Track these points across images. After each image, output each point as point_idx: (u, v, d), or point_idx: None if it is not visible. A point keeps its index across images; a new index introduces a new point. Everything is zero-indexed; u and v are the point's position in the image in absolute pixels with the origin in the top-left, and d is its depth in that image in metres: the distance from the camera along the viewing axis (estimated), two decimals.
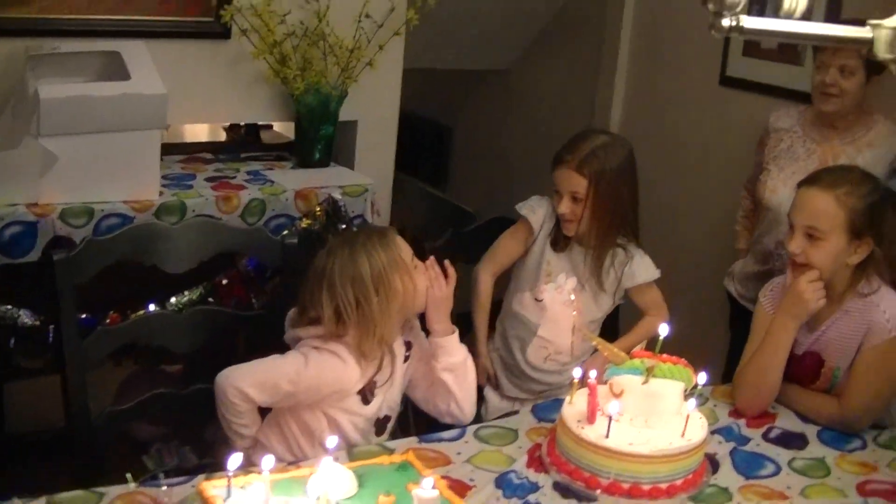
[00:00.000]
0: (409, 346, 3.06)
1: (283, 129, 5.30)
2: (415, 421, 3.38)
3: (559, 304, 3.50)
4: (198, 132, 5.27)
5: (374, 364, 2.90)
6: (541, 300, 3.52)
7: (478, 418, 3.34)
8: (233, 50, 4.36)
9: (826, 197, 2.97)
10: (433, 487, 2.23)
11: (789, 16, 1.65)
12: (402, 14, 4.53)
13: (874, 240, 2.98)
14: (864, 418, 3.03)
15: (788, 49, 4.60)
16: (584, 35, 5.80)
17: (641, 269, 3.52)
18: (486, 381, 3.62)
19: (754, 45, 4.79)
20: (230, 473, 2.24)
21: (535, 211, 3.55)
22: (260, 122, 4.99)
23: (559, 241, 3.51)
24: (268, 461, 2.26)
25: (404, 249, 2.95)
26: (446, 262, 3.06)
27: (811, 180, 3.09)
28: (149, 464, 3.68)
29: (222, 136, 5.22)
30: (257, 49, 4.29)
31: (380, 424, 3.00)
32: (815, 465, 2.84)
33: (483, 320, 3.64)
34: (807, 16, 1.68)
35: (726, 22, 1.53)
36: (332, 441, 2.39)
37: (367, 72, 4.49)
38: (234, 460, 2.24)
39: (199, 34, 4.31)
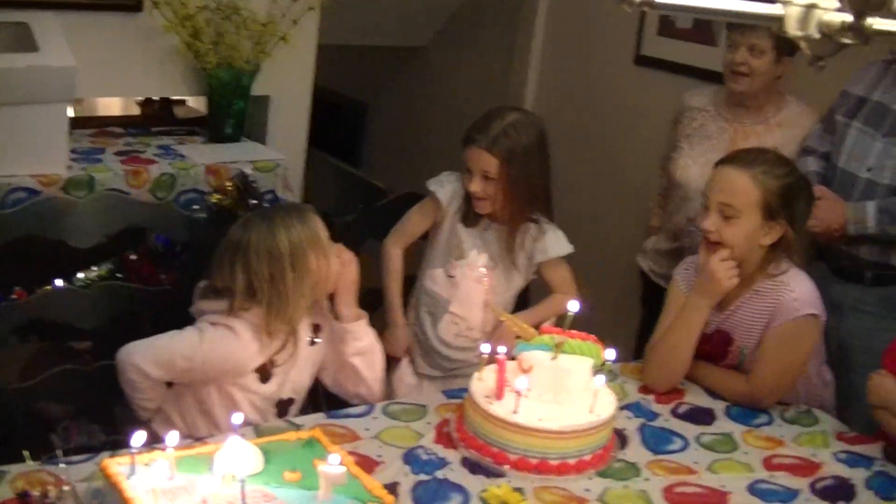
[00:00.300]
0: (317, 328, 3.04)
1: (197, 104, 5.25)
2: (326, 400, 3.37)
3: (470, 280, 3.49)
4: (111, 106, 5.20)
5: (276, 343, 2.89)
6: (452, 276, 3.51)
7: (389, 392, 3.35)
8: (145, 23, 4.29)
9: (742, 175, 3.00)
10: (340, 464, 2.22)
11: None
12: None
13: (787, 221, 3.01)
14: (771, 395, 3.07)
15: (703, 29, 4.62)
16: (500, 13, 5.78)
17: (554, 243, 3.51)
18: (403, 350, 3.61)
19: (669, 24, 4.82)
20: (134, 451, 2.21)
21: (444, 186, 3.53)
22: (173, 97, 4.92)
23: (469, 217, 3.50)
24: (172, 437, 2.23)
25: (322, 229, 2.92)
26: (339, 246, 3.05)
27: (728, 159, 3.11)
28: (56, 442, 3.62)
29: (135, 111, 5.15)
30: (170, 23, 4.22)
31: (282, 406, 2.98)
32: (723, 440, 2.87)
33: (397, 290, 3.62)
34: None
35: None
36: (237, 418, 2.36)
37: (281, 47, 4.44)
38: (138, 437, 2.20)
39: (111, 6, 4.23)
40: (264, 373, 2.89)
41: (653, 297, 4.18)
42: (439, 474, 2.50)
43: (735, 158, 3.10)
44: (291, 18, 4.42)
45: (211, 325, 2.84)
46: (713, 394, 3.13)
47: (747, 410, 3.05)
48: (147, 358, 2.81)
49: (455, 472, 2.53)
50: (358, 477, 2.32)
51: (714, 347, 3.16)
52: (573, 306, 2.84)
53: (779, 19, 1.68)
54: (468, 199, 3.48)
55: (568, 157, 5.03)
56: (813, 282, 3.10)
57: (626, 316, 4.35)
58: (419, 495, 2.40)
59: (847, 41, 1.61)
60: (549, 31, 5.53)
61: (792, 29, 1.67)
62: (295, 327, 2.90)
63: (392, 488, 2.37)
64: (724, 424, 2.97)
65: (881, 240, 3.49)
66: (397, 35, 6.19)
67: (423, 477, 2.48)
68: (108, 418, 3.43)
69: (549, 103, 5.42)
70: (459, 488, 2.45)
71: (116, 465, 2.24)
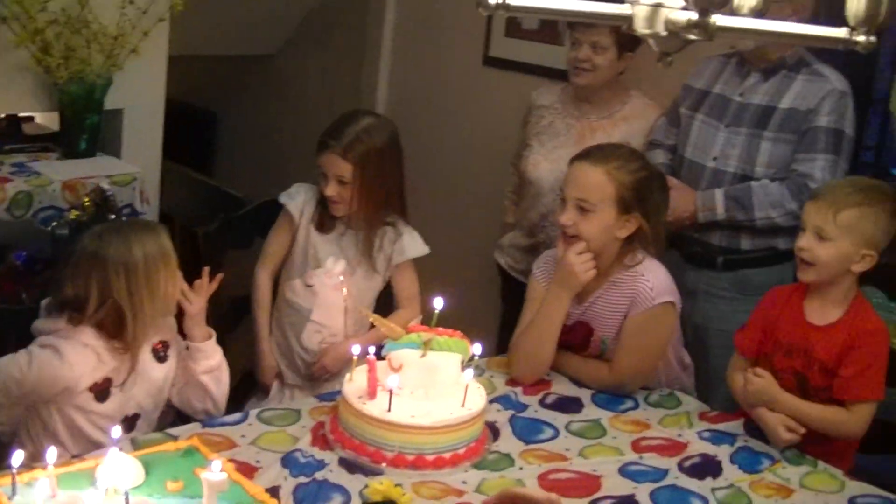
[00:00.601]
0: (165, 346, 3.02)
1: (45, 120, 5.17)
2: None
3: (329, 288, 3.52)
4: None
5: (113, 362, 2.84)
6: (311, 286, 3.53)
7: None
8: None
9: (597, 171, 3.09)
10: (221, 470, 2.24)
11: None
12: (167, 0, 4.47)
13: (642, 214, 3.11)
14: (634, 381, 3.18)
15: (549, 29, 4.72)
16: (348, 18, 5.81)
17: (410, 245, 3.57)
18: (272, 378, 3.63)
19: (516, 25, 4.91)
20: (14, 470, 2.21)
21: (294, 198, 3.56)
22: (21, 114, 4.85)
23: (324, 224, 3.54)
24: (52, 454, 2.24)
25: (171, 247, 2.90)
26: (205, 270, 3.07)
27: (582, 155, 3.20)
28: None
29: None
30: (18, 37, 4.16)
31: (127, 422, 2.92)
32: (591, 426, 2.96)
33: (265, 320, 3.63)
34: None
35: (492, 0, 1.59)
36: (116, 431, 2.37)
37: (132, 59, 4.40)
38: (18, 456, 2.20)
39: None
40: (100, 392, 2.84)
41: (512, 292, 4.28)
42: (319, 476, 2.54)
43: (589, 154, 3.18)
44: (142, 30, 4.38)
45: (39, 348, 2.79)
46: (578, 383, 3.22)
47: (613, 397, 3.15)
48: None
49: (334, 473, 2.56)
50: (239, 483, 2.35)
51: (576, 338, 3.24)
52: (438, 303, 2.89)
53: (627, 18, 1.75)
54: (322, 205, 3.52)
55: (422, 158, 5.08)
56: (667, 270, 3.21)
57: (487, 311, 4.42)
58: (300, 497, 2.43)
59: (693, 37, 1.68)
60: (398, 35, 5.58)
61: (640, 27, 1.74)
62: (136, 345, 2.86)
63: (273, 492, 2.40)
64: (591, 411, 3.06)
65: (730, 225, 3.64)
66: (246, 44, 6.18)
67: (302, 479, 2.51)
68: None
69: (401, 105, 5.47)
70: (340, 488, 2.49)
71: None
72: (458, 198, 5.29)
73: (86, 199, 3.93)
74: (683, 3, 1.67)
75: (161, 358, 2.99)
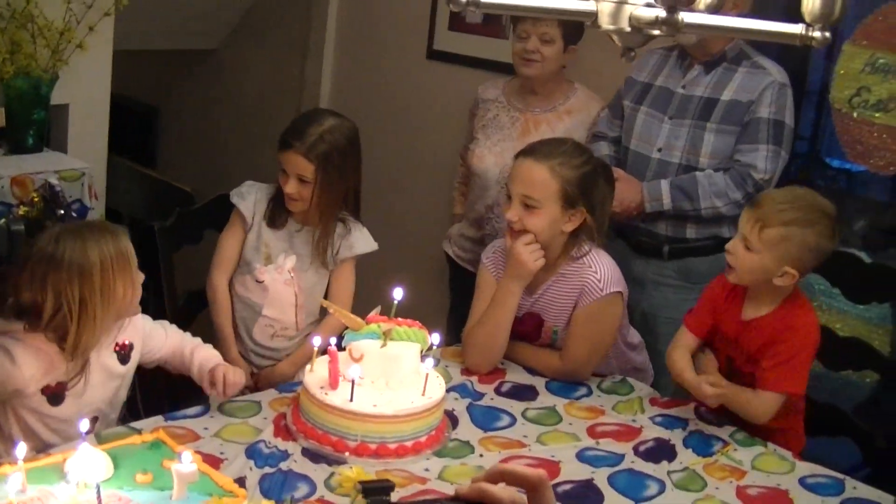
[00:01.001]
0: (129, 347, 2.96)
1: None
2: (144, 407, 3.41)
3: (280, 283, 3.53)
4: None
5: (68, 366, 2.77)
6: (262, 281, 3.54)
7: None
8: None
9: (540, 168, 3.13)
10: (191, 462, 2.28)
11: None
12: None
13: (587, 208, 3.16)
14: (585, 369, 3.25)
15: (492, 23, 4.78)
16: (291, 12, 5.82)
17: (359, 241, 3.59)
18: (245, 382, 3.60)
19: (460, 19, 4.96)
20: None
21: (245, 198, 3.57)
22: None
23: (276, 220, 3.55)
24: (21, 449, 2.25)
25: (132, 251, 2.83)
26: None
27: (527, 152, 3.23)
28: None
29: None
30: None
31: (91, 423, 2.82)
32: (547, 413, 3.03)
33: (227, 324, 3.61)
34: None
35: None
36: (84, 425, 2.39)
37: (78, 54, 4.39)
38: None
39: None
40: (53, 395, 2.77)
41: (460, 282, 4.36)
42: (283, 466, 2.57)
43: (533, 151, 3.22)
44: (88, 25, 4.37)
45: None
46: (532, 371, 3.29)
47: (566, 384, 3.22)
48: None
49: (298, 463, 2.60)
50: (209, 474, 2.38)
51: (527, 329, 3.30)
52: (398, 293, 2.93)
53: (591, 14, 1.78)
54: (274, 202, 3.54)
55: (368, 152, 5.11)
56: (613, 260, 3.28)
57: (437, 301, 4.47)
58: (267, 488, 2.47)
59: (656, 33, 1.73)
60: (342, 29, 5.61)
61: (604, 23, 1.78)
62: (82, 352, 2.76)
63: (240, 483, 2.43)
64: (546, 399, 3.13)
65: (675, 215, 3.72)
66: (188, 38, 6.17)
67: (267, 470, 2.55)
68: None
69: (346, 100, 5.50)
70: (305, 478, 2.53)
71: None
72: (406, 190, 5.33)
73: (34, 195, 3.91)
74: (646, 0, 1.72)
75: (123, 359, 2.94)
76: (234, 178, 3.69)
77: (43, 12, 4.25)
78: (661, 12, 1.68)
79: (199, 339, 3.14)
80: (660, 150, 3.76)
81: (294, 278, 3.52)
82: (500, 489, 1.28)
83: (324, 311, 3.56)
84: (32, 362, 2.72)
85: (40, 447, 2.68)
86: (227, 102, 6.32)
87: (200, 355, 3.07)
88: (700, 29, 1.71)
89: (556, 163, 3.13)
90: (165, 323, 3.14)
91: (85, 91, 4.64)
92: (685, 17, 1.69)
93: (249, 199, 3.56)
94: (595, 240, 3.26)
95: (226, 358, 3.51)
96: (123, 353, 2.94)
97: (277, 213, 3.54)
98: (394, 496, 2.36)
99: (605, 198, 3.28)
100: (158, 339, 3.07)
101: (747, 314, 3.07)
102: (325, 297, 3.56)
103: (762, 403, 2.97)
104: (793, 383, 2.97)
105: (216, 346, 3.50)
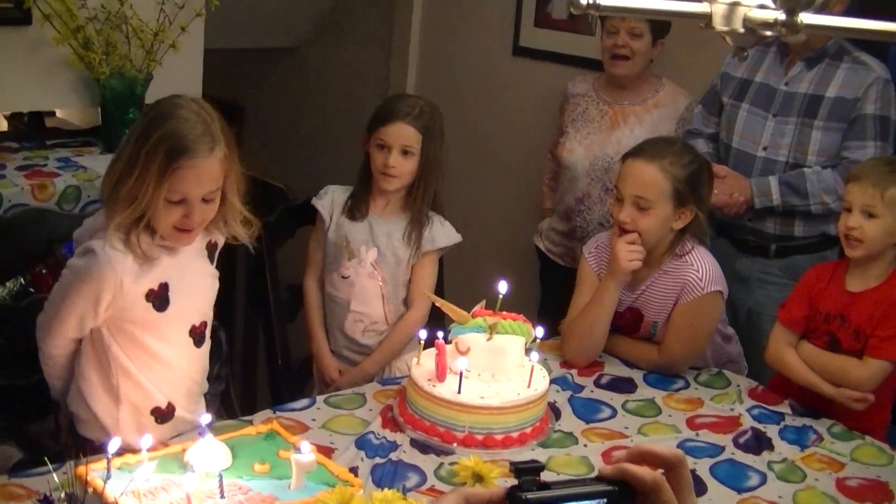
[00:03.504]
0: (214, 246, 2.89)
1: (67, 115, 5.27)
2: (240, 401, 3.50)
3: (364, 277, 3.57)
4: None
5: (163, 267, 2.68)
6: (347, 277, 3.58)
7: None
8: (34, 35, 4.28)
9: (652, 168, 3.17)
10: (310, 452, 2.35)
11: None
12: None
13: (696, 205, 3.20)
14: (682, 363, 3.29)
15: (578, 19, 4.80)
16: (375, 9, 5.89)
17: (441, 234, 3.60)
18: (336, 378, 3.63)
19: (546, 16, 4.99)
20: (109, 455, 2.31)
21: (322, 198, 3.62)
22: (42, 110, 4.97)
23: (356, 211, 3.58)
24: (146, 440, 2.33)
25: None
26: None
27: (636, 152, 3.27)
28: None
29: (2, 126, 5.16)
30: (60, 34, 4.24)
31: (197, 334, 2.84)
32: (646, 405, 3.08)
33: (318, 323, 3.67)
34: None
35: (584, 0, 1.66)
36: (206, 419, 2.47)
37: (171, 54, 4.48)
38: (114, 443, 2.30)
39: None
40: (158, 299, 2.68)
41: (550, 275, 4.43)
42: (393, 456, 2.64)
43: (643, 151, 3.25)
44: (179, 25, 4.46)
45: (78, 263, 2.64)
46: (629, 364, 3.33)
47: (664, 377, 3.26)
48: (44, 336, 2.74)
49: (407, 454, 2.67)
50: (325, 464, 2.46)
51: (626, 323, 3.35)
52: (503, 287, 2.98)
53: (706, 16, 1.82)
54: (355, 196, 3.59)
55: (456, 149, 5.16)
56: (715, 259, 3.31)
57: (527, 295, 4.52)
58: (379, 477, 2.54)
59: (769, 33, 1.77)
60: (427, 26, 5.65)
61: (718, 25, 1.81)
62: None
63: (353, 472, 2.50)
64: (644, 391, 3.18)
65: (784, 213, 3.75)
66: (273, 37, 6.26)
67: (378, 460, 2.62)
68: (22, 437, 3.44)
69: (431, 97, 5.47)
70: (415, 468, 2.60)
71: (92, 471, 2.33)
72: (494, 186, 5.38)
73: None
74: (759, 2, 1.75)
75: (211, 258, 2.89)
76: (318, 175, 3.76)
77: (137, 13, 4.35)
78: (779, 14, 1.71)
79: None
80: (765, 148, 3.77)
81: (377, 270, 3.57)
82: (642, 469, 1.31)
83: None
84: (128, 262, 2.61)
85: (141, 398, 2.72)
86: (311, 100, 6.39)
87: None
88: (818, 30, 1.74)
89: (666, 162, 3.17)
90: None
91: (177, 90, 4.59)
92: (806, 18, 1.72)
93: (326, 198, 3.62)
94: (704, 236, 3.30)
95: (317, 355, 3.62)
96: (211, 252, 2.89)
97: (357, 204, 3.58)
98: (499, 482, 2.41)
99: (709, 195, 3.34)
100: None
101: (853, 286, 3.10)
102: (409, 289, 3.62)
103: (868, 369, 3.01)
104: None
105: (309, 344, 3.60)
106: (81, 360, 2.75)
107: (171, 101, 2.66)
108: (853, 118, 3.63)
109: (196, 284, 2.81)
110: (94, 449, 2.56)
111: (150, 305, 2.67)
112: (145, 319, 2.68)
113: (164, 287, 2.69)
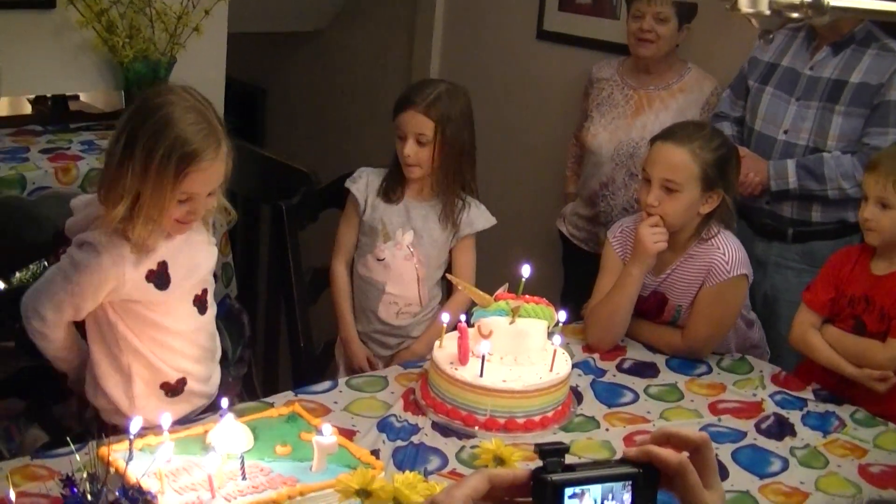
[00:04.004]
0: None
1: (90, 98, 5.28)
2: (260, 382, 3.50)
3: (400, 259, 3.57)
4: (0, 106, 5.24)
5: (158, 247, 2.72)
6: (382, 259, 3.58)
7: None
8: (58, 19, 4.30)
9: (681, 151, 3.16)
10: (332, 434, 2.35)
11: None
12: None
13: (724, 189, 3.19)
14: (706, 347, 3.28)
15: (603, 3, 4.79)
16: None
17: (478, 217, 3.61)
18: (364, 362, 3.66)
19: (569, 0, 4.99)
20: (130, 437, 2.31)
21: (357, 182, 3.61)
22: (66, 93, 4.99)
23: (392, 194, 3.58)
24: (166, 419, 2.34)
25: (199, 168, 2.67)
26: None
27: (665, 135, 3.26)
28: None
29: (26, 109, 5.18)
30: (84, 17, 4.25)
31: (199, 302, 2.87)
32: (669, 390, 3.08)
33: (347, 307, 3.67)
34: None
35: None
36: (225, 402, 2.48)
37: (194, 38, 4.49)
38: (136, 423, 2.31)
39: (23, 4, 4.23)
40: (159, 278, 2.72)
41: (573, 259, 4.43)
42: (415, 439, 2.65)
43: (673, 134, 3.25)
44: (203, 9, 4.46)
45: (80, 252, 2.68)
46: (652, 348, 3.33)
47: (687, 362, 3.26)
48: (47, 306, 2.73)
49: (429, 437, 2.67)
50: (346, 446, 2.46)
51: (650, 307, 3.35)
52: (525, 271, 2.97)
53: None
54: (390, 178, 3.59)
55: (479, 133, 5.14)
56: (740, 243, 3.30)
57: (551, 278, 4.51)
58: (400, 460, 2.54)
59: (795, 15, 1.76)
60: (450, 10, 5.63)
61: (744, 7, 1.80)
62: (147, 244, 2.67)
63: (375, 455, 2.50)
64: (667, 376, 3.17)
65: (801, 197, 3.74)
66: (296, 20, 6.25)
67: (399, 443, 2.62)
68: (46, 419, 3.46)
69: (454, 79, 5.45)
70: (436, 451, 2.61)
71: (114, 452, 2.34)
72: (517, 170, 5.36)
73: None
74: None
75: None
76: (341, 159, 3.76)
77: None
78: None
79: None
80: (786, 131, 3.76)
81: (413, 253, 3.57)
82: (667, 451, 1.31)
83: (445, 286, 3.63)
84: (125, 252, 2.64)
85: (152, 375, 2.77)
86: (334, 83, 6.39)
87: None
88: (844, 11, 1.73)
89: (696, 146, 3.16)
90: None
91: (201, 73, 4.71)
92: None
93: (361, 182, 3.61)
94: (731, 220, 3.30)
95: (346, 341, 3.61)
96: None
97: (392, 187, 3.58)
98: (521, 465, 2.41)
99: (736, 180, 3.33)
100: None
101: (879, 269, 3.09)
102: (448, 272, 3.61)
103: (891, 350, 3.01)
104: None
105: (337, 328, 3.60)
106: (92, 348, 2.80)
107: (166, 100, 2.63)
108: (876, 104, 3.60)
109: (194, 256, 2.84)
110: (118, 432, 2.56)
111: (151, 286, 2.71)
112: (149, 299, 2.72)
113: (163, 265, 2.72)
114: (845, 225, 3.73)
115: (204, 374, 2.91)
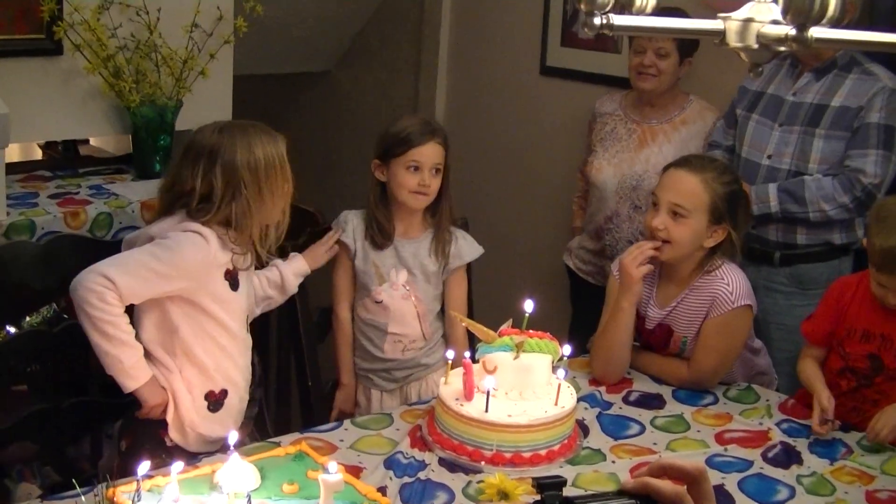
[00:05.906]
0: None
1: (101, 143, 5.32)
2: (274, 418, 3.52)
3: (398, 299, 3.59)
4: (9, 152, 5.25)
5: (235, 252, 3.05)
6: (380, 301, 3.60)
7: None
8: (66, 65, 4.34)
9: (694, 178, 3.20)
10: (337, 472, 2.36)
11: (641, 12, 1.82)
12: (231, 22, 4.57)
13: (730, 225, 3.22)
14: (712, 378, 3.30)
15: (605, 38, 4.81)
16: (403, 31, 5.92)
17: (466, 248, 3.64)
18: (351, 409, 3.70)
19: (572, 35, 5.01)
20: (139, 478, 2.33)
21: (346, 228, 3.64)
22: (75, 138, 5.04)
23: (378, 240, 3.59)
24: (176, 466, 2.36)
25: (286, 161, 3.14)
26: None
27: (680, 163, 3.31)
28: (11, 486, 3.67)
29: (37, 154, 5.21)
30: (91, 64, 4.28)
31: (246, 321, 3.18)
32: (675, 421, 3.09)
33: (347, 352, 3.70)
34: (657, 12, 1.85)
35: (597, 21, 1.68)
36: (232, 437, 2.49)
37: (200, 81, 4.53)
38: (143, 466, 2.32)
39: (31, 51, 4.27)
40: (233, 279, 3.06)
41: (581, 293, 4.44)
42: (422, 475, 2.66)
43: (687, 162, 3.30)
44: (209, 52, 4.51)
45: (181, 233, 2.95)
46: (658, 380, 3.34)
47: (693, 393, 3.27)
48: (115, 269, 2.88)
49: (436, 473, 2.69)
50: (353, 483, 2.47)
51: (657, 340, 3.38)
52: (528, 306, 2.99)
53: (719, 33, 1.83)
54: (372, 224, 3.60)
55: (483, 167, 5.20)
56: (744, 274, 3.32)
57: (558, 313, 4.53)
58: (407, 497, 2.56)
59: (783, 49, 1.78)
60: (454, 48, 5.68)
61: (732, 41, 1.82)
62: (253, 239, 3.05)
63: (382, 492, 2.52)
64: (673, 407, 3.19)
65: (785, 220, 3.78)
66: (302, 61, 6.30)
67: (406, 479, 2.64)
68: (59, 460, 3.47)
69: (460, 118, 5.56)
70: (443, 486, 2.62)
71: (122, 493, 2.36)
72: (523, 205, 5.38)
73: None
74: (772, 17, 1.77)
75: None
76: (347, 199, 3.78)
77: (166, 42, 4.39)
78: (790, 30, 1.72)
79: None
80: (769, 156, 3.81)
81: (410, 291, 3.59)
82: (664, 483, 1.33)
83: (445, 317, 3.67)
84: (218, 245, 3.00)
85: (199, 380, 2.98)
86: (341, 123, 6.42)
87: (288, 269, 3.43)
88: (829, 44, 1.75)
89: (708, 176, 3.20)
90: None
91: (208, 116, 4.69)
92: (814, 32, 1.72)
93: (349, 228, 3.62)
94: (735, 256, 3.32)
95: (340, 380, 3.70)
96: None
97: (376, 234, 3.59)
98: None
99: (745, 220, 3.36)
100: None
101: (892, 302, 3.05)
102: (443, 305, 3.65)
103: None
104: None
105: (335, 369, 3.66)
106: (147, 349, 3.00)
107: (244, 139, 3.06)
108: (857, 127, 3.65)
109: (250, 278, 3.22)
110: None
111: (227, 283, 3.04)
112: (220, 294, 3.03)
113: (234, 272, 3.06)
114: (832, 247, 3.78)
115: (243, 390, 3.16)
